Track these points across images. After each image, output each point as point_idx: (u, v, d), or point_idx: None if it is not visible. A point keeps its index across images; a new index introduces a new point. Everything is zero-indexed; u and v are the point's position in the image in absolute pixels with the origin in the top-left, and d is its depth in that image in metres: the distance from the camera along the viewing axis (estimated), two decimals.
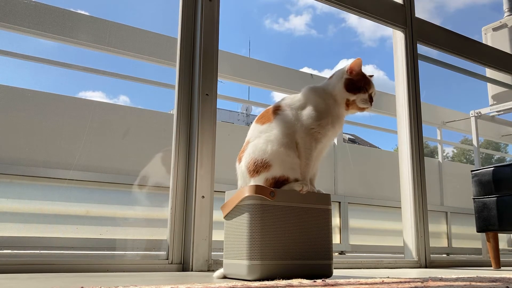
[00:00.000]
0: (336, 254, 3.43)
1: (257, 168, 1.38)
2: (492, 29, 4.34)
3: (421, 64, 2.87)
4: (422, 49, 2.93)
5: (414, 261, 2.50)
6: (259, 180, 1.38)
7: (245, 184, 1.41)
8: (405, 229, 2.59)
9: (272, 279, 1.24)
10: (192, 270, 1.74)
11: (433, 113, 4.66)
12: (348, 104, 1.51)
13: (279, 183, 1.38)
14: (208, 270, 1.77)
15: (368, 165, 4.05)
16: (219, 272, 1.42)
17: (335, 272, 1.45)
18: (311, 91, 1.54)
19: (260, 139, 1.43)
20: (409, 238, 2.55)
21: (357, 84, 1.50)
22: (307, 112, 1.46)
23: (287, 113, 1.46)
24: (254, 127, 1.50)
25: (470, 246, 4.27)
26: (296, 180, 1.40)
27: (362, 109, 1.52)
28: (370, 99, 1.51)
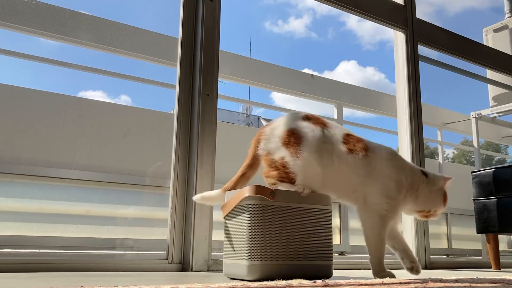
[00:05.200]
0: (336, 254, 3.42)
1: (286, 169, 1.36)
2: (493, 30, 4.34)
3: (422, 65, 2.87)
4: (423, 50, 2.93)
5: None
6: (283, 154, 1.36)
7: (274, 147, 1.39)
8: (405, 230, 2.59)
9: (272, 280, 1.24)
10: (192, 270, 1.74)
11: (434, 114, 4.66)
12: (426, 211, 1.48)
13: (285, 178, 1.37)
14: (208, 270, 1.77)
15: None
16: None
17: (335, 272, 1.45)
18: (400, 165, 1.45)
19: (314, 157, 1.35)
20: (409, 239, 2.55)
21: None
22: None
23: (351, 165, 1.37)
24: (334, 136, 1.40)
25: (470, 247, 4.27)
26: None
27: (427, 219, 1.51)
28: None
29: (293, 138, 1.37)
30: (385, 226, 1.38)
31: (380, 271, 1.40)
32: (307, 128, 1.39)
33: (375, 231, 1.38)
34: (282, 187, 1.38)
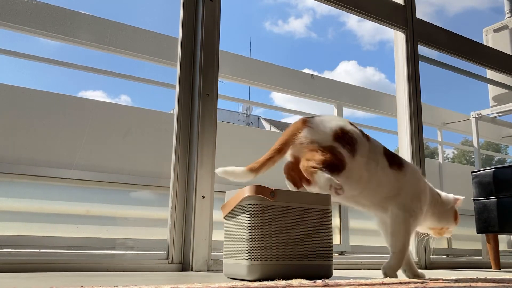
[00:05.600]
0: (336, 254, 3.42)
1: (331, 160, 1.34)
2: (493, 30, 4.34)
3: (422, 65, 2.87)
4: (423, 50, 2.93)
5: (414, 262, 2.49)
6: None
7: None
8: None
9: (272, 279, 1.24)
10: (192, 270, 1.74)
11: (434, 114, 4.66)
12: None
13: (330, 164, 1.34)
14: (208, 270, 1.77)
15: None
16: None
17: (335, 272, 1.45)
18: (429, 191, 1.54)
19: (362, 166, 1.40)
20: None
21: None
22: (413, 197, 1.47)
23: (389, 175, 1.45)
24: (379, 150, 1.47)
25: (470, 247, 4.27)
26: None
27: (440, 235, 1.59)
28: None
29: (347, 137, 1.40)
30: (414, 228, 1.48)
31: (396, 270, 1.43)
32: (359, 134, 1.44)
33: (408, 229, 1.44)
34: (315, 176, 1.32)
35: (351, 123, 1.47)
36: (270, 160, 1.41)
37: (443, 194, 1.57)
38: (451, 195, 1.58)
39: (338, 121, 1.45)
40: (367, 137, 1.47)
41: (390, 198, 1.45)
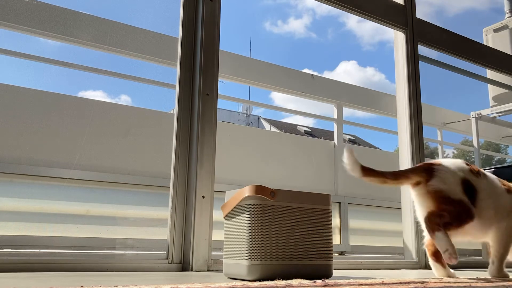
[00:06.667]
0: (336, 254, 3.43)
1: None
2: (493, 30, 4.34)
3: (422, 65, 2.87)
4: (423, 50, 2.93)
5: (414, 262, 2.49)
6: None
7: None
8: (405, 230, 2.59)
9: (272, 279, 1.24)
10: (192, 270, 1.74)
11: (434, 114, 4.66)
12: None
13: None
14: (208, 270, 1.77)
15: (369, 166, 4.05)
16: None
17: (335, 272, 1.45)
18: None
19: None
20: (409, 239, 2.55)
21: None
22: None
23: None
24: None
25: (470, 247, 4.27)
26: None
27: None
28: None
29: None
30: None
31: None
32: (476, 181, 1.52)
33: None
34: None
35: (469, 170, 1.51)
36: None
37: None
38: None
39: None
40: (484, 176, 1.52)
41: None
